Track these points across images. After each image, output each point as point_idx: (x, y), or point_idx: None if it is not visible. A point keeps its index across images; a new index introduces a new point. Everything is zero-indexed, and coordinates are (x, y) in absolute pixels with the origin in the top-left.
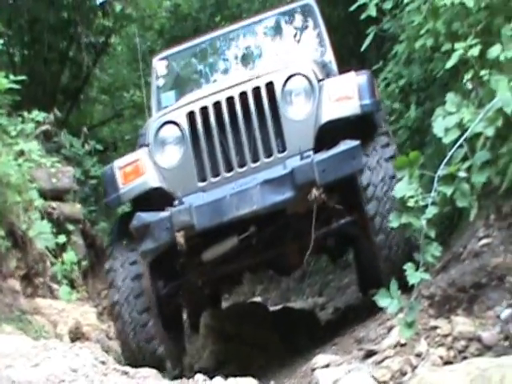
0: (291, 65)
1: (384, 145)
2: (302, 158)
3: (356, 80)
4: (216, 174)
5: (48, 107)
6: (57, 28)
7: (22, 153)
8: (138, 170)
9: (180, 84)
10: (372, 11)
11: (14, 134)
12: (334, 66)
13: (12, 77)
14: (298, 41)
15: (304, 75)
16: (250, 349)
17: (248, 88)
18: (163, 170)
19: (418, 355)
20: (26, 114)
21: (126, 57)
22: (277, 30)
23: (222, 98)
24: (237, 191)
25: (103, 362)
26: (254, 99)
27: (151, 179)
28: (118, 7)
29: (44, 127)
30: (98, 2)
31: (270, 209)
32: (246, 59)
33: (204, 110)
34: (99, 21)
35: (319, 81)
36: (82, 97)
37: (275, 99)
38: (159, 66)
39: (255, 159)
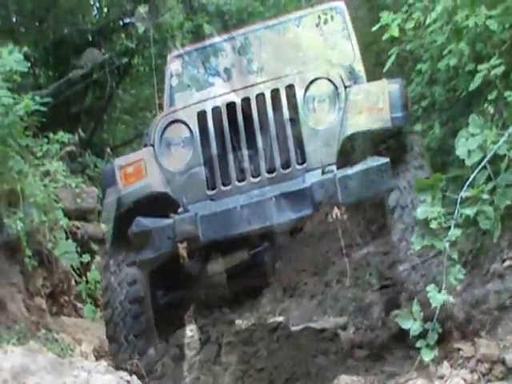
0: (315, 67)
1: (418, 166)
2: (323, 173)
3: (388, 89)
4: (227, 182)
5: (72, 128)
6: (81, 49)
7: (47, 173)
8: (140, 172)
9: (195, 83)
10: (394, 31)
11: (39, 154)
12: (362, 74)
13: (38, 98)
14: (325, 43)
15: (329, 79)
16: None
17: (266, 89)
18: (168, 174)
19: (441, 377)
20: (51, 135)
21: (148, 77)
22: (304, 31)
23: (236, 98)
24: (249, 203)
25: (128, 382)
26: (271, 102)
27: (154, 182)
28: (140, 29)
29: (69, 148)
30: (121, 24)
31: (284, 225)
32: (267, 60)
33: (216, 109)
34: (122, 42)
35: (346, 87)
36: (106, 117)
37: (296, 104)
38: (174, 64)
39: (271, 169)
